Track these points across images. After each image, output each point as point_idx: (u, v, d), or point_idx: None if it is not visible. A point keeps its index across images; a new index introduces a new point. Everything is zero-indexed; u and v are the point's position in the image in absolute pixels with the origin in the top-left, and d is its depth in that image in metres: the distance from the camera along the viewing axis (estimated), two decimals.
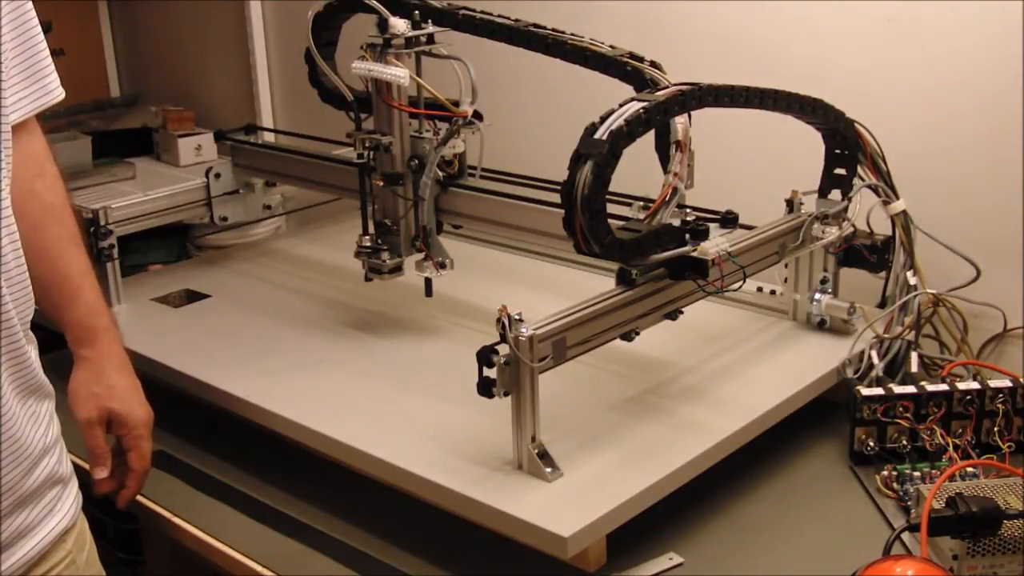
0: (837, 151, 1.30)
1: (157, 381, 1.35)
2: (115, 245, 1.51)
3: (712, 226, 1.15)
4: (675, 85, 1.10)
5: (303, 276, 1.62)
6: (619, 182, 1.04)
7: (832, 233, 1.28)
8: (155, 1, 2.52)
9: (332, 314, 1.45)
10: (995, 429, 1.15)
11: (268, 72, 2.27)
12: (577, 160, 1.01)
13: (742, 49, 1.51)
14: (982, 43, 1.31)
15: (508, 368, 0.99)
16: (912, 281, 1.29)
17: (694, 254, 1.11)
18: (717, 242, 1.13)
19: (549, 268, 1.57)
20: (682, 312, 1.17)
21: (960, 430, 1.15)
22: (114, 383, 1.10)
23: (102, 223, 1.50)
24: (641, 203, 1.20)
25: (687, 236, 1.12)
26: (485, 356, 0.99)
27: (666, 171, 1.11)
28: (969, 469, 1.08)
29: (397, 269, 1.34)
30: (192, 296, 1.55)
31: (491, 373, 0.99)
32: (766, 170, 1.51)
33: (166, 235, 1.94)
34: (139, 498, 1.21)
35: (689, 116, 1.10)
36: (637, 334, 1.11)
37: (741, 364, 1.25)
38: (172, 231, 1.95)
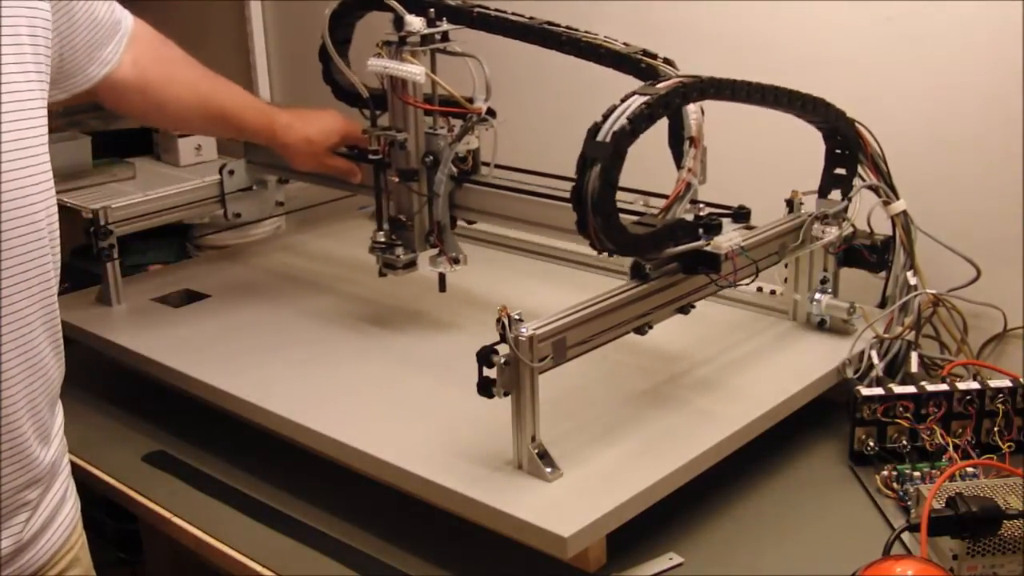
0: (837, 151, 1.30)
1: (157, 381, 1.35)
2: (115, 245, 1.50)
3: (724, 221, 1.15)
4: (675, 77, 1.09)
5: (303, 276, 1.62)
6: (627, 178, 1.04)
7: (832, 233, 1.28)
8: (155, 1, 2.52)
9: (332, 314, 1.45)
10: (995, 429, 1.15)
11: (268, 72, 2.27)
12: (583, 164, 1.01)
13: (742, 48, 1.51)
14: (982, 43, 1.31)
15: (508, 368, 0.99)
16: (912, 281, 1.29)
17: (707, 249, 1.11)
18: (730, 236, 1.13)
19: (564, 262, 1.57)
20: (694, 306, 1.17)
21: (960, 430, 1.15)
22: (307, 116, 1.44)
23: (102, 223, 1.49)
24: (649, 198, 1.20)
25: (700, 231, 1.12)
26: (485, 356, 0.99)
27: (679, 166, 1.11)
28: (969, 469, 1.08)
29: (411, 264, 1.34)
30: (192, 296, 1.55)
31: (491, 373, 0.99)
32: (766, 170, 1.51)
33: (166, 235, 1.94)
34: (139, 498, 1.21)
35: (702, 112, 1.10)
36: (651, 327, 1.11)
37: (741, 364, 1.25)
38: (172, 231, 1.95)
